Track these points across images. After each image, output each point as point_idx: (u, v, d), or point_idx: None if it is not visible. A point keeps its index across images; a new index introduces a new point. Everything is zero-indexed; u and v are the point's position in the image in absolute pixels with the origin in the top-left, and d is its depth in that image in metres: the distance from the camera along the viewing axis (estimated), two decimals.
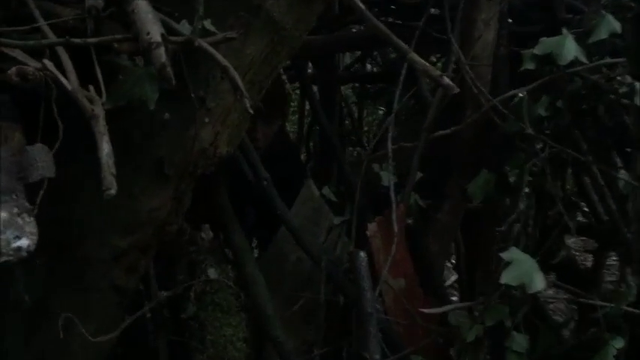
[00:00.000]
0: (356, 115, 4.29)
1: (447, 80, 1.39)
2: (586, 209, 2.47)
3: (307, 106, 4.58)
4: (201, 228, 2.42)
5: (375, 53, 3.87)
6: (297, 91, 4.46)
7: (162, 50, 1.29)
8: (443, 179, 2.51)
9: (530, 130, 2.01)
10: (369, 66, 4.25)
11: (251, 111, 1.65)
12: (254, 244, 2.94)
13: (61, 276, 1.86)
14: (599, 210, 2.19)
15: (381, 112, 4.62)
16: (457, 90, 1.41)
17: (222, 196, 2.36)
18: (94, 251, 1.86)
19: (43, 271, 1.84)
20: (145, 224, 1.90)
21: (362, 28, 3.41)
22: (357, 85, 4.32)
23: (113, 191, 1.35)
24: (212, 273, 2.21)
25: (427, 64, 1.43)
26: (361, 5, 1.53)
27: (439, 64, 3.54)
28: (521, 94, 2.05)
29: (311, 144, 4.37)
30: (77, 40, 1.35)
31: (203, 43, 1.62)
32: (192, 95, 1.77)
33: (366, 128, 4.62)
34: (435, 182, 2.53)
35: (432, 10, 2.53)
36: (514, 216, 1.97)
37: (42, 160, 1.38)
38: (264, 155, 2.41)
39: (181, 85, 1.77)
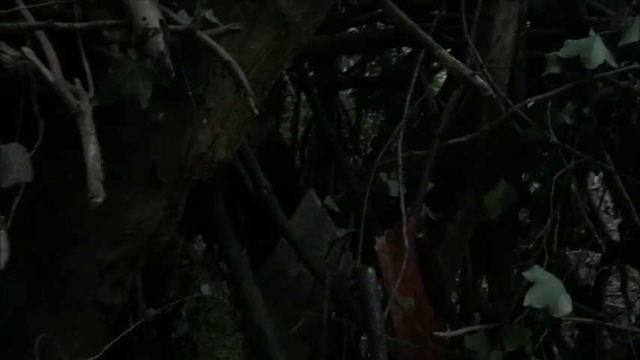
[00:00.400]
0: (353, 122, 4.12)
1: (479, 80, 1.24)
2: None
3: (302, 113, 4.43)
4: (194, 239, 2.24)
5: (378, 58, 3.71)
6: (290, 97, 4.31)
7: (160, 37, 1.12)
8: (454, 190, 2.35)
9: (554, 139, 1.85)
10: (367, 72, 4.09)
11: (256, 111, 1.48)
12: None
13: (41, 293, 1.68)
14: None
15: (378, 119, 4.46)
16: (490, 91, 1.25)
17: (217, 204, 2.19)
18: (78, 265, 1.68)
19: (20, 288, 1.66)
20: (134, 235, 1.73)
21: (365, 28, 3.27)
22: (355, 90, 4.16)
23: (100, 199, 1.18)
24: (205, 289, 2.02)
25: (458, 61, 1.28)
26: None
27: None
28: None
29: (306, 151, 4.20)
30: (62, 25, 1.17)
31: (204, 34, 1.45)
32: (190, 93, 1.59)
33: (362, 137, 4.45)
34: (446, 193, 2.37)
35: (446, 12, 2.38)
36: (542, 232, 1.81)
37: (17, 163, 1.20)
38: (256, 155, 2.25)
39: (178, 81, 1.60)
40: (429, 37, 1.32)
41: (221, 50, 1.46)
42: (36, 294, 1.68)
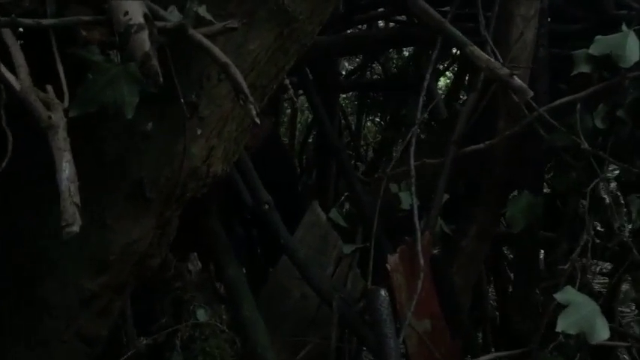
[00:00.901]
0: (354, 126, 3.94)
1: (518, 81, 1.06)
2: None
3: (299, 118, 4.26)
4: (188, 258, 2.06)
5: (380, 60, 3.53)
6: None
7: (145, 35, 0.93)
8: (468, 201, 2.17)
9: (585, 145, 1.68)
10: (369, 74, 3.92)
11: (257, 120, 1.30)
12: None
13: (16, 327, 1.49)
14: None
15: (379, 124, 4.29)
16: (531, 93, 1.08)
17: (213, 218, 2.00)
18: (57, 295, 1.49)
19: None
20: (120, 260, 1.54)
21: (368, 28, 3.09)
22: (355, 94, 3.98)
23: (76, 228, 0.99)
24: (201, 315, 1.83)
25: (493, 60, 1.10)
26: None
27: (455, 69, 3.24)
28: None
29: (304, 157, 4.02)
30: (27, 21, 0.98)
31: (197, 33, 1.27)
32: (182, 100, 1.41)
33: (363, 142, 4.28)
34: (459, 204, 2.19)
35: (461, 8, 2.20)
36: (576, 250, 1.63)
37: None
38: (254, 157, 2.08)
39: (168, 87, 1.42)
40: (460, 33, 1.14)
41: (216, 51, 1.28)
42: (10, 328, 1.50)
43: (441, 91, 3.52)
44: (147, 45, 0.95)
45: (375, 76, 3.85)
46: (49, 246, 1.45)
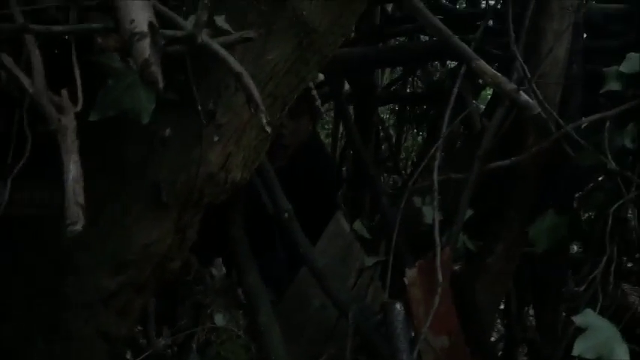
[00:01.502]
0: (394, 139, 3.92)
1: (525, 97, 1.05)
2: None
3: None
4: (213, 263, 2.09)
5: (418, 72, 3.52)
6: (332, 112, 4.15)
7: (146, 43, 0.97)
8: (496, 217, 2.13)
9: (612, 165, 1.63)
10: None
11: (268, 129, 1.32)
12: None
13: (34, 322, 1.55)
14: None
15: (418, 137, 4.26)
16: (538, 109, 1.07)
17: (236, 226, 2.03)
18: (76, 293, 1.54)
19: (13, 319, 1.53)
20: (139, 260, 1.59)
21: (406, 40, 3.08)
22: (395, 106, 3.97)
23: (79, 226, 1.03)
24: (219, 319, 1.86)
25: (499, 74, 1.09)
26: (419, 4, 1.19)
27: None
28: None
29: (344, 169, 4.01)
30: (38, 27, 1.03)
31: (213, 42, 1.30)
32: (200, 108, 1.45)
33: (403, 155, 4.24)
34: (487, 220, 2.15)
35: (493, 23, 2.18)
36: (593, 271, 1.58)
37: None
38: (293, 156, 2.05)
39: (187, 95, 1.46)
40: (467, 47, 1.14)
41: (231, 60, 1.31)
42: (30, 323, 1.56)
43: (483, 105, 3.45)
44: (147, 52, 0.99)
45: (418, 89, 3.83)
46: (71, 244, 1.50)
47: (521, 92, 1.07)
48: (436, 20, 1.16)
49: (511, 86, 1.09)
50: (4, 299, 1.50)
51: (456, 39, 1.14)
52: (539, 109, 1.10)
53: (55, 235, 1.50)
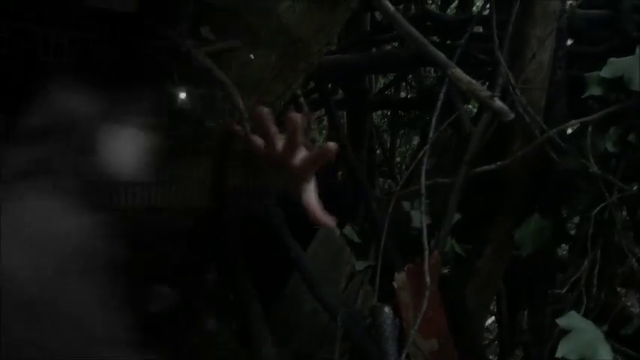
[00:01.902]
0: (388, 144, 3.94)
1: (499, 103, 1.07)
2: None
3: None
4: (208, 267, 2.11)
5: (410, 77, 3.55)
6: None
7: None
8: (485, 221, 2.16)
9: (595, 169, 1.65)
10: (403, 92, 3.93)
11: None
12: None
13: None
14: None
15: (415, 143, 4.28)
16: (512, 115, 1.09)
17: (230, 230, 2.05)
18: None
19: None
20: None
21: (397, 46, 3.11)
22: (387, 112, 3.99)
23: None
24: (210, 324, 1.87)
25: (474, 81, 1.12)
26: (391, 9, 1.22)
27: None
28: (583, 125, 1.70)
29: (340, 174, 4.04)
30: None
31: (198, 51, 1.34)
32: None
33: (398, 159, 4.27)
34: (476, 224, 2.17)
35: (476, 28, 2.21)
36: (577, 273, 1.61)
37: None
38: None
39: None
40: (442, 55, 1.16)
41: (216, 69, 1.34)
42: None
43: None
44: None
45: (410, 94, 3.86)
46: None
47: (495, 98, 1.09)
48: (411, 29, 1.19)
49: (485, 93, 1.11)
50: None
51: (431, 47, 1.17)
52: (513, 115, 1.13)
53: None
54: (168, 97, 1.40)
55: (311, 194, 1.17)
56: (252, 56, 1.51)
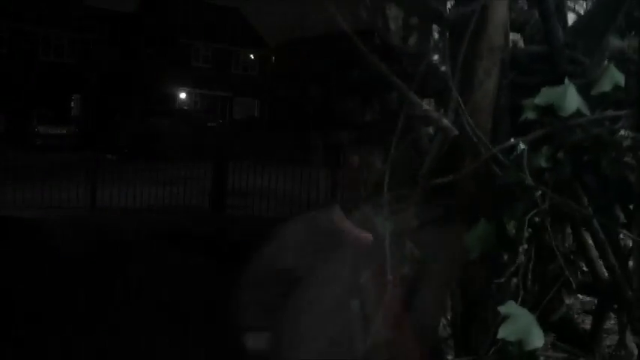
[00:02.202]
0: None
1: (446, 122, 1.35)
2: (585, 267, 2.41)
3: None
4: None
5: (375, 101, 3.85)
6: None
7: None
8: (441, 227, 2.45)
9: (529, 181, 1.95)
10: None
11: None
12: None
13: None
14: (598, 267, 2.13)
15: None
16: (456, 132, 1.36)
17: None
18: None
19: None
20: None
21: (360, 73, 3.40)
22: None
23: None
24: None
25: (426, 105, 1.39)
26: (359, 44, 1.50)
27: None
28: (521, 144, 2.00)
29: None
30: None
31: None
32: None
33: None
34: (433, 230, 2.46)
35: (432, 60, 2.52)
36: (512, 269, 1.89)
37: None
38: None
39: None
40: (401, 83, 1.44)
41: None
42: None
43: None
44: None
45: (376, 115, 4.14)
46: None
47: (443, 119, 1.36)
48: (374, 59, 1.46)
49: (435, 114, 1.39)
50: None
51: (392, 76, 1.44)
52: (457, 132, 1.40)
53: None
54: None
55: None
56: None
